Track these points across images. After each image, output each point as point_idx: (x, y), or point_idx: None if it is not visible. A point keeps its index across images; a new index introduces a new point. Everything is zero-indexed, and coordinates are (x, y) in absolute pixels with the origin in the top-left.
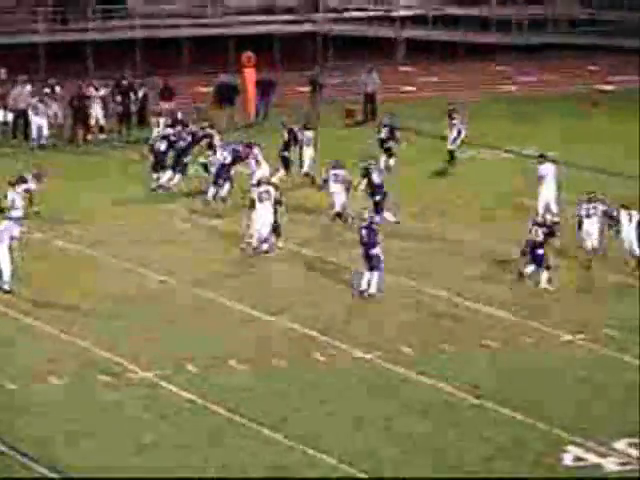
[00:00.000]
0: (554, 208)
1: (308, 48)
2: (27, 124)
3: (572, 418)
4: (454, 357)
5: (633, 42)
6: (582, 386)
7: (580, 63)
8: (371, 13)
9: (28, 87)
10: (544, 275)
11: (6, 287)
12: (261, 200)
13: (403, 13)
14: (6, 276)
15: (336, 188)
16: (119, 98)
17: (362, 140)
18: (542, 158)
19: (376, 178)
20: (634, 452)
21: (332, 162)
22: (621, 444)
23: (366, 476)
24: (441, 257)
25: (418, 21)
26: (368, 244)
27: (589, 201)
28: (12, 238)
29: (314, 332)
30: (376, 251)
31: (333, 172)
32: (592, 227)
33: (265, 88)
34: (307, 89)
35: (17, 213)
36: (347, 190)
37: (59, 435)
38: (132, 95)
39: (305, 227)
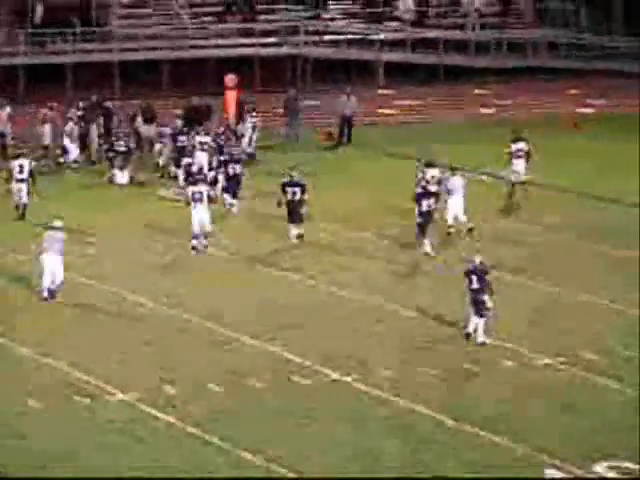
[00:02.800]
0: (462, 218)
1: (288, 71)
2: (4, 146)
3: (550, 440)
4: (432, 380)
5: (614, 65)
6: (562, 409)
7: (560, 86)
8: (350, 36)
9: (8, 109)
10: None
11: (45, 294)
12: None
13: (383, 36)
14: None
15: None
16: (101, 120)
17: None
18: (452, 171)
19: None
20: (613, 475)
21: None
22: (601, 467)
23: None
24: (417, 280)
25: (397, 44)
26: (478, 290)
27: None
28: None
29: (294, 355)
30: (485, 297)
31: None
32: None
33: (242, 109)
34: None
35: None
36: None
37: (36, 459)
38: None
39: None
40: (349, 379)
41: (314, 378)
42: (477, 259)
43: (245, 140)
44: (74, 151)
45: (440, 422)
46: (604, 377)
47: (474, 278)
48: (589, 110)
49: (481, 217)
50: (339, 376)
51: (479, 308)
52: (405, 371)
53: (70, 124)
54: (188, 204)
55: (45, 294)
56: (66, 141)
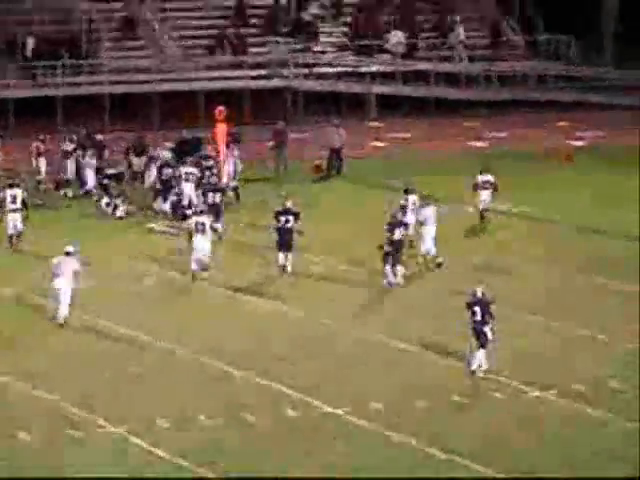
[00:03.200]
0: (433, 251)
1: (278, 103)
2: None
3: (542, 473)
4: (423, 413)
5: (604, 98)
6: (552, 441)
7: (550, 118)
8: (340, 69)
9: None
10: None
11: (60, 321)
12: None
13: (373, 68)
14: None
15: None
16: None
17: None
18: (426, 201)
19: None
20: None
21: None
22: None
23: None
24: (412, 312)
25: (388, 76)
26: (481, 322)
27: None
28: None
29: (283, 387)
30: (486, 329)
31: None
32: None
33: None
34: (271, 144)
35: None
36: None
37: None
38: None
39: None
40: (340, 412)
41: (305, 410)
42: (479, 290)
43: (230, 171)
44: (91, 181)
45: (430, 455)
46: (594, 409)
47: (477, 310)
48: (580, 143)
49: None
50: (331, 409)
51: (482, 340)
52: (395, 403)
53: (70, 158)
54: (189, 236)
55: (60, 320)
56: (84, 172)
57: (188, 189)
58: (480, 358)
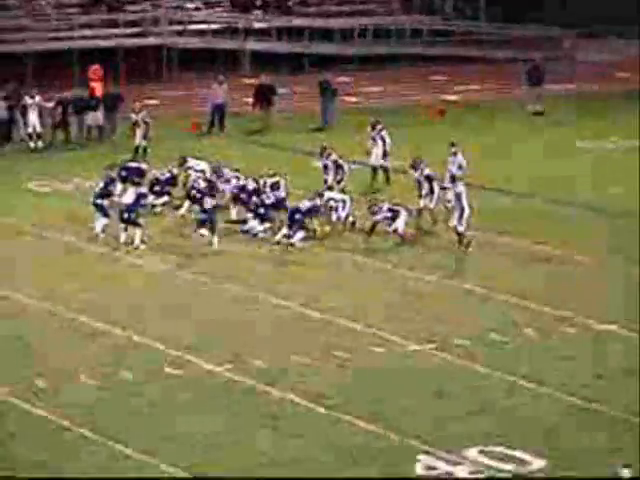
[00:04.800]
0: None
1: (152, 61)
2: None
3: (423, 427)
4: (303, 368)
5: (477, 52)
6: (432, 396)
7: (423, 73)
8: (214, 26)
9: None
10: None
11: None
12: None
13: (247, 25)
14: None
15: None
16: None
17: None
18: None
19: None
20: (485, 460)
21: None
22: (472, 452)
23: None
24: (290, 269)
25: (263, 33)
26: None
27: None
28: None
29: (168, 347)
30: None
31: None
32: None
33: (111, 102)
34: (154, 102)
35: None
36: None
37: None
38: None
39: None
40: (222, 369)
41: (187, 369)
42: None
43: None
44: None
45: (312, 410)
46: (476, 363)
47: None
48: (453, 97)
49: None
50: (213, 367)
51: None
52: (277, 360)
53: None
54: None
55: None
56: None
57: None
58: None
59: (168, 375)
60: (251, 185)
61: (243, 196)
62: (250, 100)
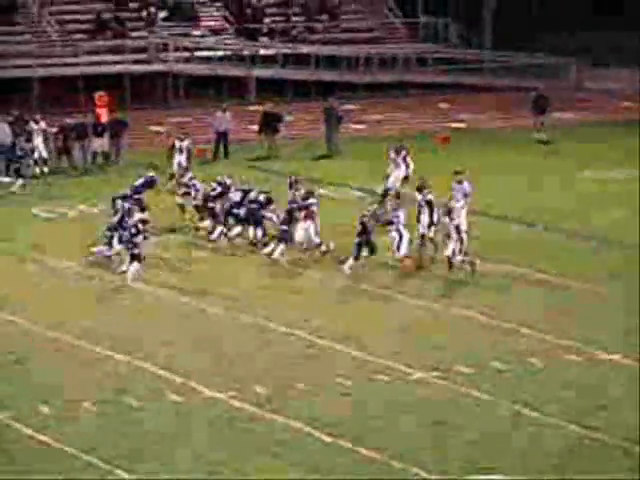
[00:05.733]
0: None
1: (159, 87)
2: None
3: (425, 456)
4: (307, 396)
5: (482, 80)
6: (434, 424)
7: (428, 101)
8: (220, 53)
9: None
10: None
11: None
12: None
13: (253, 52)
14: None
15: None
16: None
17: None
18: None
19: None
20: None
21: None
22: None
23: None
24: (280, 294)
25: (268, 60)
26: None
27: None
28: None
29: (167, 372)
30: None
31: None
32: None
33: (117, 128)
34: (160, 129)
35: None
36: None
37: None
38: None
39: None
40: (224, 396)
41: (189, 396)
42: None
43: None
44: None
45: (316, 440)
46: (477, 391)
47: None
48: (458, 125)
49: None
50: (213, 394)
51: None
52: (278, 387)
53: None
54: None
55: None
56: None
57: None
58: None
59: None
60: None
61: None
62: (255, 127)
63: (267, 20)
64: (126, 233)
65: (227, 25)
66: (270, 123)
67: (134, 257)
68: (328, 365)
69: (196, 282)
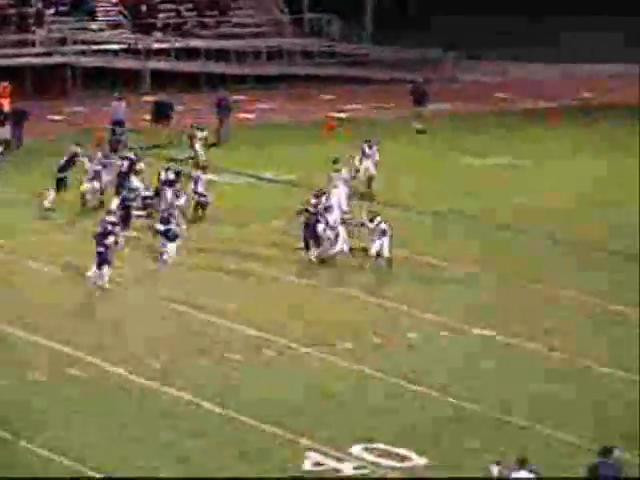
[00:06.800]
0: None
1: (58, 79)
2: None
3: (311, 425)
4: (200, 369)
5: (366, 73)
6: (321, 396)
7: (313, 92)
8: (117, 46)
9: None
10: None
11: None
12: None
13: (148, 46)
14: None
15: None
16: None
17: None
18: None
19: None
20: (369, 457)
21: None
22: (357, 450)
23: None
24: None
25: (162, 53)
26: None
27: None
28: None
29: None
30: None
31: None
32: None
33: (18, 117)
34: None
35: None
36: None
37: None
38: None
39: None
40: (121, 371)
41: (88, 370)
42: None
43: None
44: None
45: (208, 411)
46: (361, 365)
47: None
48: (342, 115)
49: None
50: (111, 367)
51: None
52: (176, 362)
53: None
54: None
55: None
56: None
57: None
58: None
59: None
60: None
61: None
62: (149, 116)
63: (161, 15)
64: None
65: (123, 20)
66: (162, 112)
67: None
68: (217, 340)
69: None
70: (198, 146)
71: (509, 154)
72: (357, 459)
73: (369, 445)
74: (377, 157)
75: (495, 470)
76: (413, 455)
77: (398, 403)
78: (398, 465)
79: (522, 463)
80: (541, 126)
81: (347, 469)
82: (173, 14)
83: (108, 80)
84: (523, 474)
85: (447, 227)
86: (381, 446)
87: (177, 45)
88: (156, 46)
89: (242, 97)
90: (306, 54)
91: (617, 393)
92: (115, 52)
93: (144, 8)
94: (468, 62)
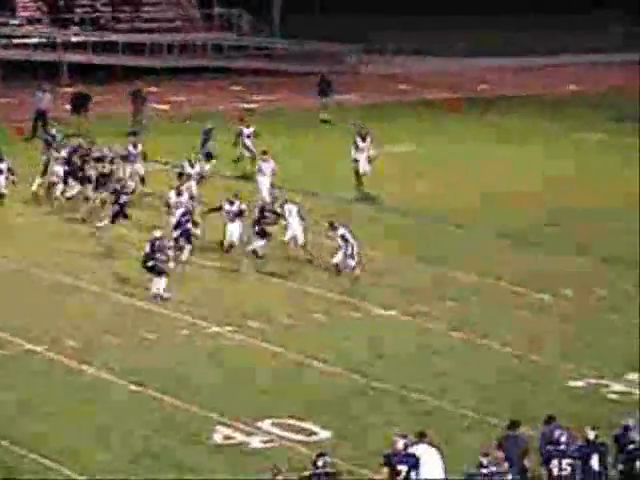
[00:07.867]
0: None
1: None
2: None
3: (221, 401)
4: (116, 349)
5: (275, 65)
6: (229, 372)
7: (224, 84)
8: (36, 40)
9: None
10: None
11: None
12: None
13: (66, 40)
14: None
15: None
16: None
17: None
18: None
19: None
20: (276, 431)
21: None
22: (265, 424)
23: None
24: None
25: (79, 46)
26: None
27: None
28: None
29: None
30: None
31: None
32: None
33: None
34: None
35: None
36: None
37: None
38: None
39: None
40: (40, 349)
41: (10, 348)
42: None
43: None
44: None
45: (123, 387)
46: (268, 343)
47: None
48: (251, 106)
49: None
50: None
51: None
52: (88, 341)
53: None
54: None
55: None
56: None
57: None
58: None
59: None
60: None
61: None
62: (68, 107)
63: (78, 10)
64: None
65: (42, 15)
66: (81, 103)
67: None
68: (135, 321)
69: (19, 247)
70: (248, 142)
71: (413, 142)
72: (265, 433)
73: (277, 420)
74: (371, 151)
75: (400, 443)
76: (318, 429)
77: (306, 379)
78: (305, 439)
79: (421, 436)
80: (442, 115)
81: (255, 443)
82: (89, 9)
83: (28, 73)
84: (422, 447)
85: (351, 211)
86: (289, 421)
87: (93, 39)
88: (74, 40)
89: (156, 89)
90: (216, 47)
91: (512, 370)
92: (35, 46)
93: (62, 3)
94: (371, 56)
